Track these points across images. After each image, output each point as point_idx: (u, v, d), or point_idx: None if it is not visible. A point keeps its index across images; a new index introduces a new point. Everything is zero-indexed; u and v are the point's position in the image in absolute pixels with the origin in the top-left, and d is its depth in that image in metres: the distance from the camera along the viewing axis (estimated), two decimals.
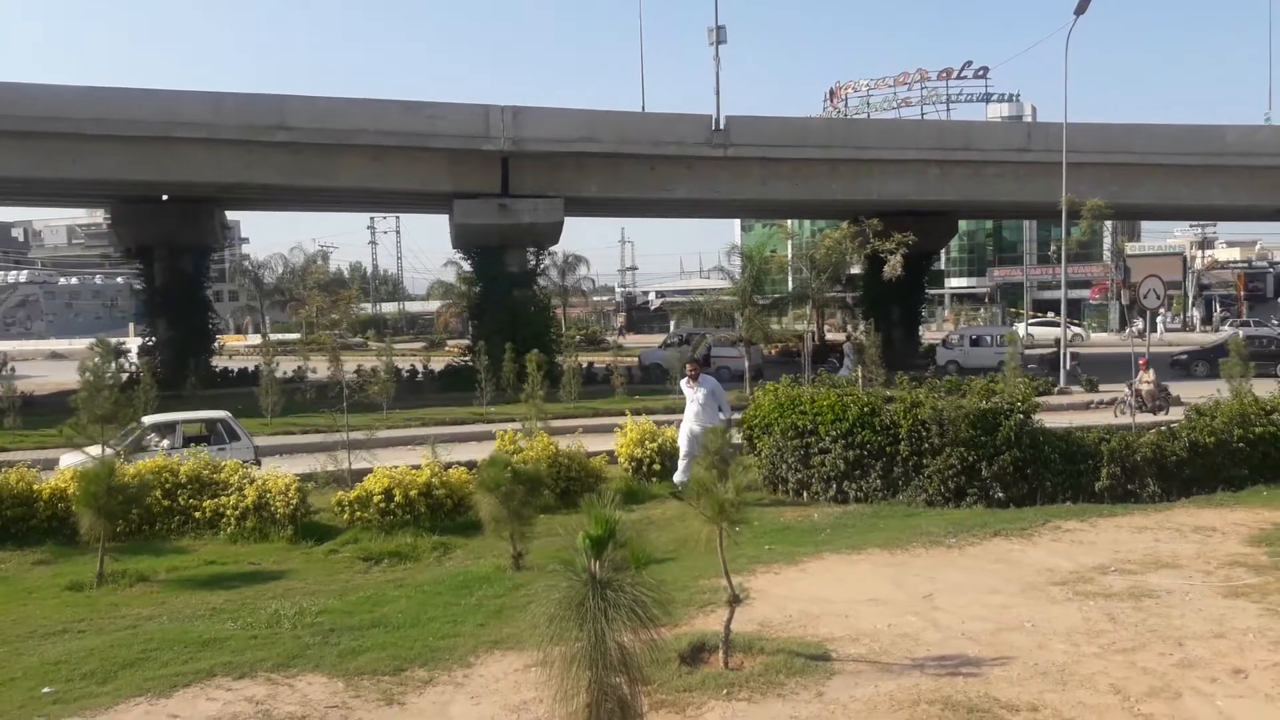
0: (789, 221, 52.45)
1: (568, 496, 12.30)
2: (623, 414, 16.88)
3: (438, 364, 37.28)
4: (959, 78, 77.11)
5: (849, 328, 42.17)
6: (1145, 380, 21.46)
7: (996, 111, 74.79)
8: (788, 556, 8.92)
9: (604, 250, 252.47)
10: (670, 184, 32.91)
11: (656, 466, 13.54)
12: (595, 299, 74.95)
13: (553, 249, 39.93)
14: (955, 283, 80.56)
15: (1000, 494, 11.33)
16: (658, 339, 46.46)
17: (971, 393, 12.08)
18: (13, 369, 24.79)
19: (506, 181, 30.99)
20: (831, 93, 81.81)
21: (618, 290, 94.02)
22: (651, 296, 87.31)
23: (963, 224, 55.08)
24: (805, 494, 12.09)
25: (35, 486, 11.45)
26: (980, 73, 76.83)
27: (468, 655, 6.63)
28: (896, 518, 10.71)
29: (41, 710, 5.86)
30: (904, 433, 11.51)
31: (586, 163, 31.55)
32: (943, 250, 57.18)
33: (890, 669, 6.09)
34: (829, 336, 44.94)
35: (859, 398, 12.09)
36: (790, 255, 42.39)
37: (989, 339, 36.53)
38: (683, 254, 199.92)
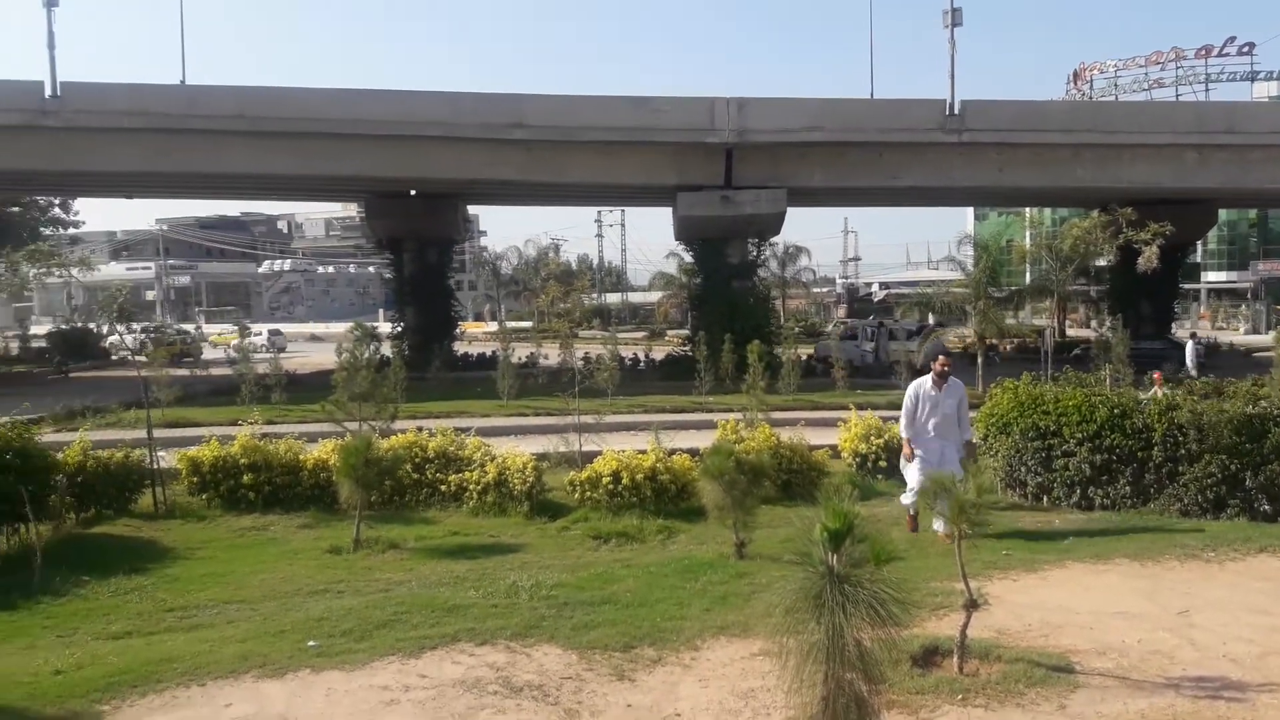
0: (1028, 210, 49.76)
1: (789, 489, 12.22)
2: (844, 408, 16.59)
3: (658, 353, 37.98)
4: (1220, 55, 70.45)
5: (1093, 323, 39.58)
6: None
7: (1263, 91, 67.89)
8: (1027, 563, 8.50)
9: (826, 241, 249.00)
10: (899, 172, 31.96)
11: (882, 463, 13.21)
12: (816, 290, 73.90)
13: (773, 240, 39.73)
14: (1213, 277, 73.88)
15: (1266, 506, 10.33)
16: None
17: (1235, 396, 11.07)
18: (280, 349, 27.16)
19: (730, 173, 31.06)
20: (1075, 75, 76.79)
21: (839, 281, 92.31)
22: (875, 288, 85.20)
23: (1223, 213, 50.47)
24: (1045, 498, 11.47)
25: (301, 457, 12.52)
26: (1245, 49, 69.91)
27: (694, 639, 6.73)
28: (1147, 527, 9.98)
29: (308, 661, 6.42)
30: (1158, 437, 10.69)
31: (810, 152, 31.13)
32: (1199, 242, 52.56)
33: (1141, 687, 5.69)
34: (1070, 333, 42.34)
35: (1108, 398, 11.34)
36: (1029, 245, 40.21)
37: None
38: (909, 244, 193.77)
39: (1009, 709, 5.40)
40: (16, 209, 44.86)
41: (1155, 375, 17.69)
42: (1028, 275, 44.77)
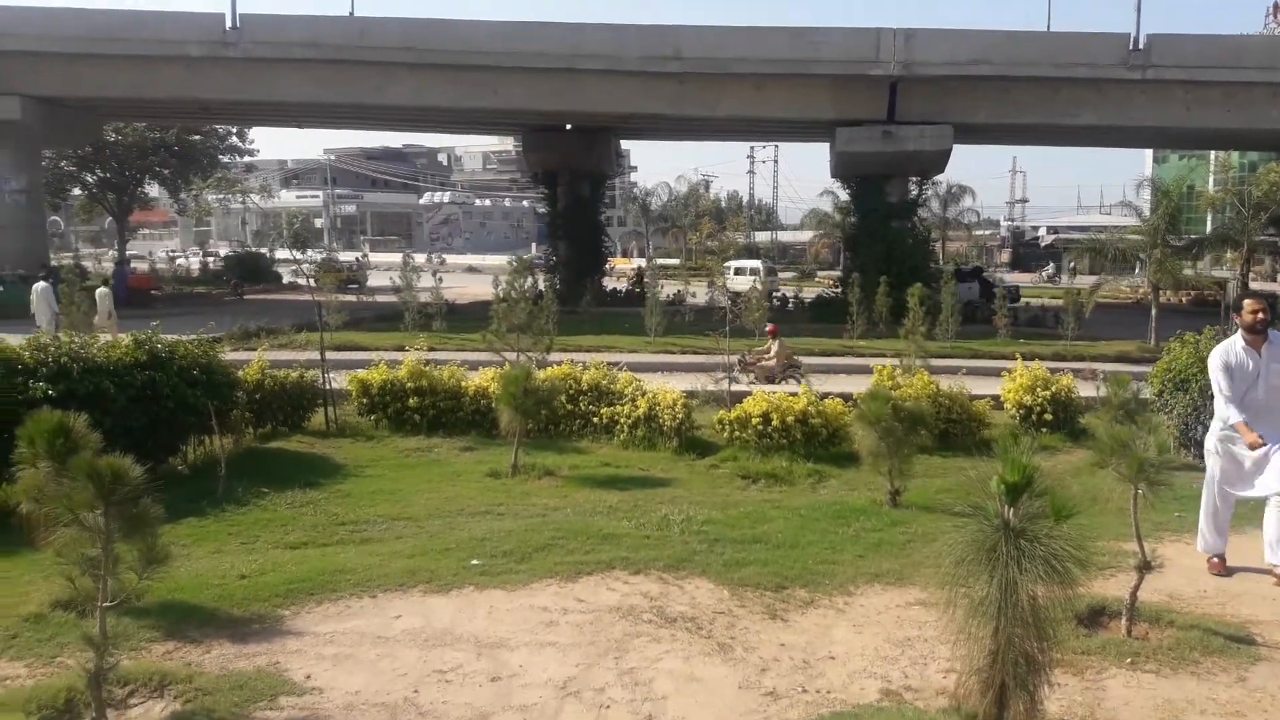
0: (1215, 153, 46.27)
1: (946, 439, 11.92)
2: (1006, 357, 16.00)
3: (808, 294, 37.45)
4: None
5: None
6: None
7: None
8: None
9: (992, 181, 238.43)
10: (1075, 109, 30.19)
11: (1048, 416, 12.68)
12: (978, 233, 71.10)
13: (936, 178, 38.33)
14: None
15: None
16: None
17: None
18: (440, 278, 28.08)
19: (892, 108, 30.01)
20: (1275, 7, 70.41)
21: (1004, 224, 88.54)
22: (1042, 232, 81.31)
23: None
24: None
25: (462, 383, 12.95)
26: None
27: (847, 584, 6.69)
28: None
29: (472, 579, 6.70)
30: None
31: (979, 86, 29.70)
32: None
33: None
34: (1254, 286, 39.47)
35: None
36: (1215, 190, 37.50)
37: None
38: (1081, 186, 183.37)
39: (1183, 677, 5.17)
40: (198, 137, 47.47)
41: None
42: (1209, 223, 41.75)
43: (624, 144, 47.93)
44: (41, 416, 5.40)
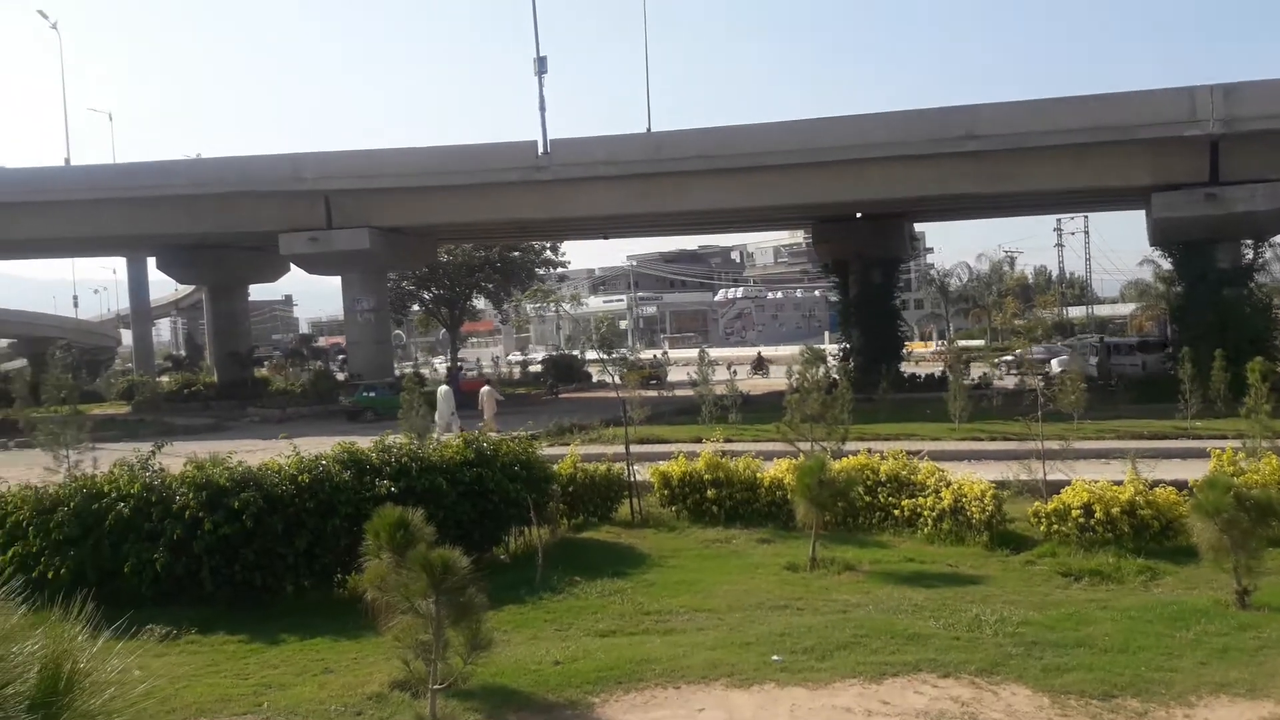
0: None
1: None
2: None
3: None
4: None
5: None
6: None
7: None
8: None
9: None
10: None
11: None
12: None
13: (1275, 239, 34.51)
14: None
15: None
16: None
17: None
18: (734, 371, 28.60)
19: (1215, 168, 27.50)
20: None
21: None
22: None
23: None
24: None
25: (758, 474, 13.06)
26: None
27: (1187, 694, 6.01)
28: None
29: (773, 675, 6.66)
30: None
31: None
32: None
33: None
34: None
35: None
36: None
37: None
38: None
39: None
40: (517, 253, 51.91)
41: None
42: None
43: (919, 226, 47.08)
44: (384, 512, 6.05)
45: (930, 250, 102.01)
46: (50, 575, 8.84)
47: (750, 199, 32.52)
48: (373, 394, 32.33)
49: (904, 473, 12.36)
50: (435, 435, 15.76)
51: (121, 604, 7.23)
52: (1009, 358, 39.75)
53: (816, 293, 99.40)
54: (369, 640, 7.49)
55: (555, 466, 12.86)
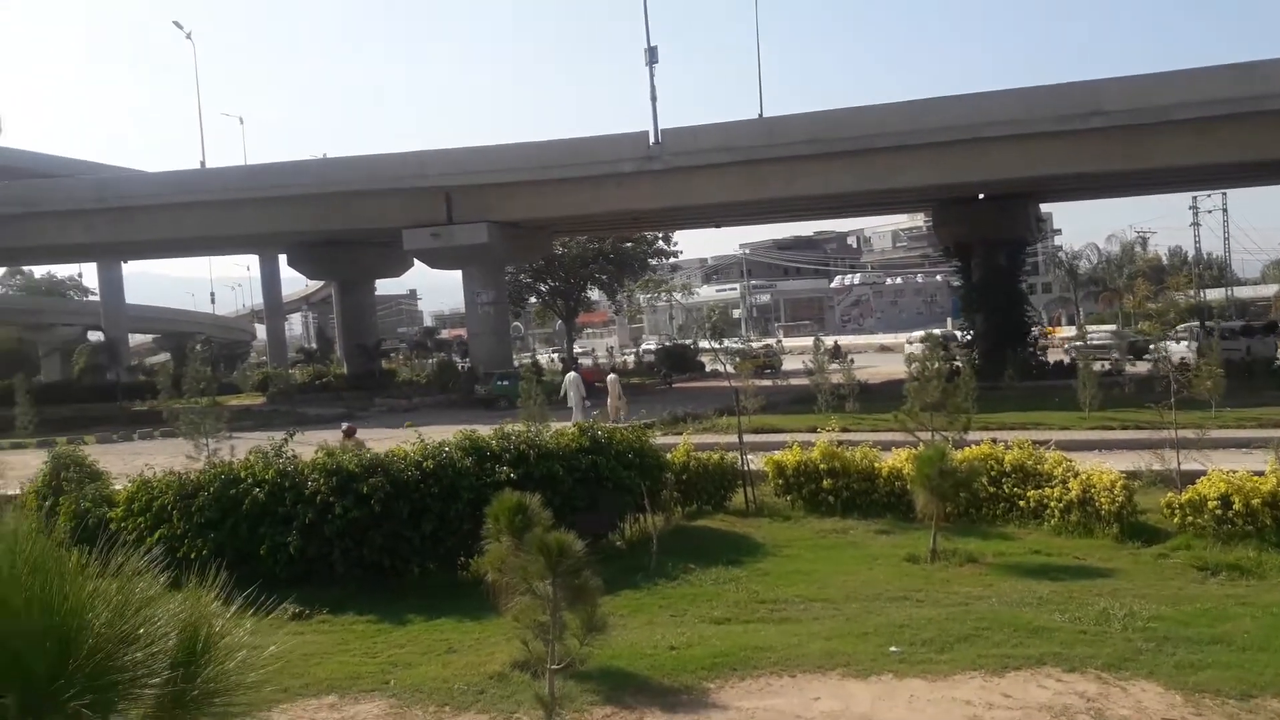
0: None
1: None
2: None
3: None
4: None
5: None
6: None
7: None
8: None
9: None
10: None
11: None
12: None
13: None
14: None
15: None
16: None
17: None
18: (851, 360, 28.17)
19: None
20: None
21: None
22: None
23: None
24: None
25: (876, 464, 12.85)
26: None
27: None
28: None
29: (891, 666, 6.57)
30: None
31: None
32: None
33: None
34: None
35: None
36: None
37: None
38: None
39: None
40: (630, 244, 52.27)
41: None
42: None
43: (1045, 206, 45.47)
44: (504, 497, 6.21)
45: (1058, 232, 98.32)
46: (193, 556, 9.35)
47: (865, 183, 31.96)
48: (507, 383, 33.40)
49: (1029, 462, 11.98)
50: (574, 419, 16.73)
51: (258, 585, 7.62)
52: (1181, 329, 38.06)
53: (938, 277, 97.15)
54: (490, 621, 7.69)
55: (669, 455, 12.93)
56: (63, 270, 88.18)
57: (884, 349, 58.67)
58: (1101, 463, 12.03)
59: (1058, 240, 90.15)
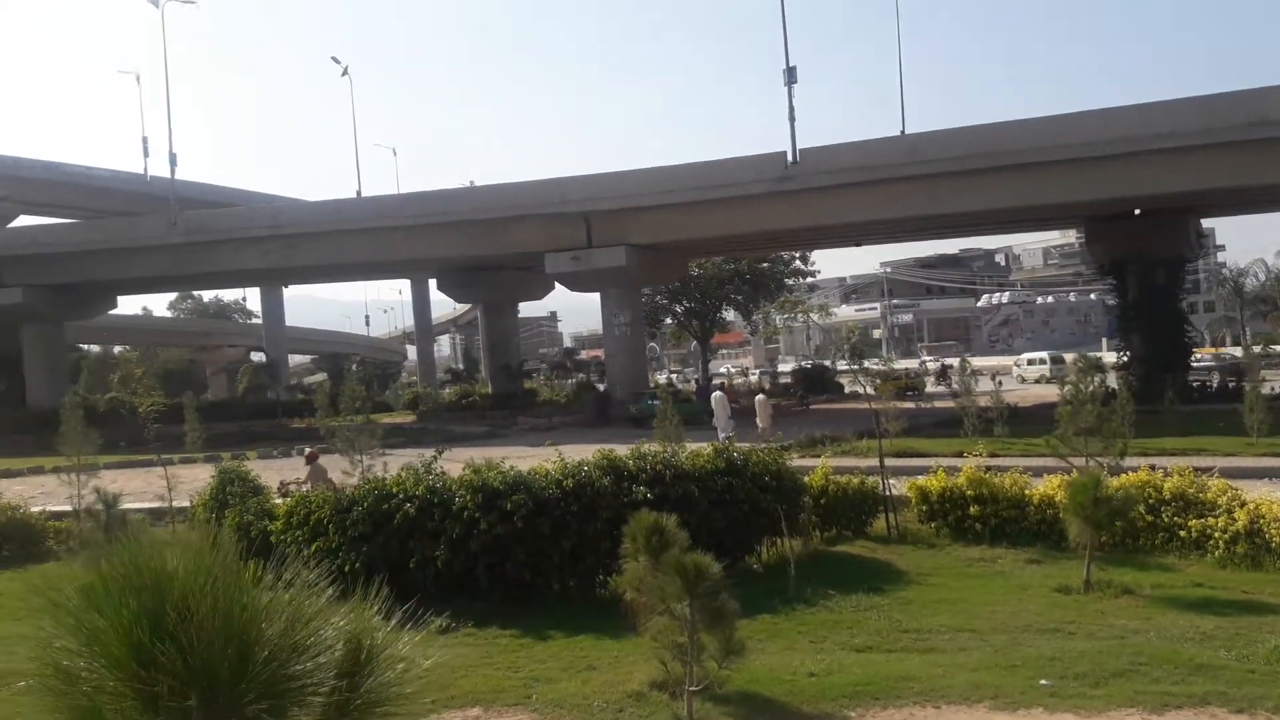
0: None
1: None
2: None
3: None
4: None
5: None
6: None
7: None
8: None
9: None
10: None
11: None
12: None
13: None
14: None
15: None
16: None
17: None
18: (999, 382, 27.25)
19: None
20: None
21: None
22: None
23: None
24: None
25: (1026, 491, 12.38)
26: None
27: None
28: None
29: (1041, 700, 6.33)
30: None
31: None
32: None
33: None
34: None
35: None
36: None
37: None
38: None
39: None
40: (765, 265, 52.03)
41: None
42: None
43: (1207, 222, 43.07)
44: (641, 516, 6.29)
45: (1220, 248, 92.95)
46: (347, 569, 9.78)
47: (1013, 199, 30.98)
48: (657, 402, 34.03)
49: (1191, 491, 11.33)
50: (721, 437, 17.77)
51: (406, 597, 7.92)
52: None
53: (1091, 296, 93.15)
54: (629, 640, 7.76)
55: (806, 478, 12.78)
56: (229, 295, 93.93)
57: (995, 375, 56.21)
58: (1271, 492, 11.29)
59: (1221, 256, 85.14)
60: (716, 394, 27.01)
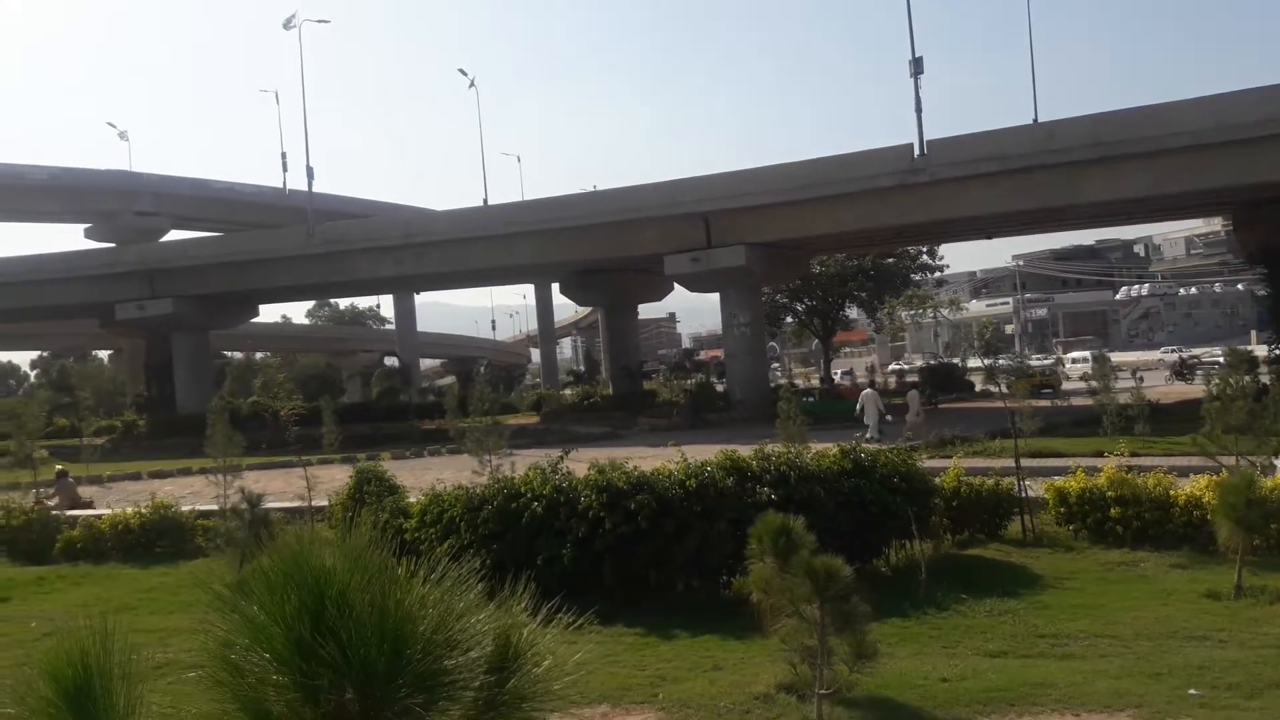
0: None
1: None
2: None
3: None
4: None
5: None
6: None
7: None
8: None
9: None
10: None
11: None
12: None
13: None
14: None
15: None
16: None
17: None
18: (1141, 378, 26.05)
19: None
20: None
21: None
22: None
23: None
24: None
25: (1171, 493, 11.82)
26: None
27: None
28: None
29: (1189, 710, 6.05)
30: None
31: None
32: None
33: None
34: None
35: None
36: None
37: None
38: None
39: None
40: (891, 260, 50.97)
41: None
42: None
43: None
44: (768, 518, 6.27)
45: None
46: (478, 566, 10.02)
47: (1154, 186, 29.55)
48: (811, 399, 34.27)
49: None
50: (869, 435, 18.21)
51: (533, 594, 8.09)
52: None
53: (1239, 287, 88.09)
54: (754, 641, 7.75)
55: (937, 479, 12.49)
56: (363, 302, 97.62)
57: (1135, 371, 53.53)
58: None
59: None
60: (868, 391, 27.28)
